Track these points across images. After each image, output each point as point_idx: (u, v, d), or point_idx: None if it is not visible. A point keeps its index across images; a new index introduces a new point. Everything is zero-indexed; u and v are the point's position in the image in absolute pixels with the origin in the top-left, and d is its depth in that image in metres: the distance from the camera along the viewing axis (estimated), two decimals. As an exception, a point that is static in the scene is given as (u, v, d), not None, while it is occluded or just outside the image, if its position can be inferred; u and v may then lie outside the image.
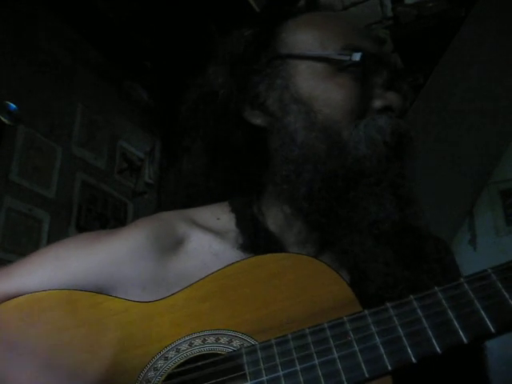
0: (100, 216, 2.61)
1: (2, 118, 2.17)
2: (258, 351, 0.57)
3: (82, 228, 2.48)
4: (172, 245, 0.74)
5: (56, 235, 2.32)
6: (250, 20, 0.88)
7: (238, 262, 0.66)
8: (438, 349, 0.53)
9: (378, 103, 0.75)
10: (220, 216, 0.78)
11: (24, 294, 0.70)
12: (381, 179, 0.70)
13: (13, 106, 2.22)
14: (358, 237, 0.69)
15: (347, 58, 0.74)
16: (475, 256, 2.13)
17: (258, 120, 0.78)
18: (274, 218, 0.77)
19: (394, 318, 0.56)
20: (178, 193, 0.87)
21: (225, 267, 0.65)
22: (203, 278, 0.65)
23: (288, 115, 0.75)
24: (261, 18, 0.88)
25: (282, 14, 0.85)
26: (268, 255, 0.65)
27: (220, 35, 0.87)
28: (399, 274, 0.67)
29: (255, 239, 0.72)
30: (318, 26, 0.81)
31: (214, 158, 0.82)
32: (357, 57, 0.74)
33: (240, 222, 0.75)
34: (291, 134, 0.73)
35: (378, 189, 0.70)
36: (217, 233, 0.75)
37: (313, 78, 0.76)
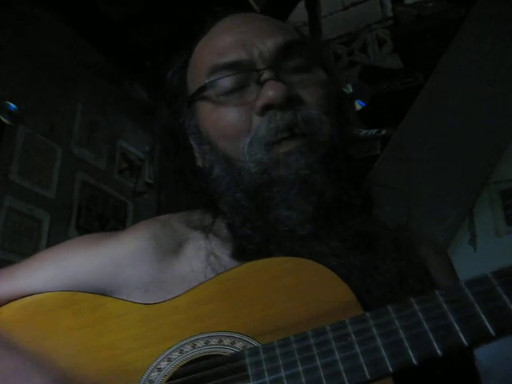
0: (100, 216, 2.61)
1: (2, 118, 2.18)
2: (261, 352, 0.57)
3: (81, 228, 2.48)
4: (173, 247, 0.74)
5: (56, 235, 2.32)
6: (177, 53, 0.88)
7: (240, 265, 0.66)
8: (438, 351, 0.53)
9: (256, 107, 0.72)
10: (217, 217, 0.78)
11: (27, 295, 0.70)
12: (282, 185, 0.69)
13: (13, 106, 2.22)
14: (288, 243, 0.68)
15: (210, 81, 0.74)
16: (475, 256, 2.13)
17: (199, 162, 0.80)
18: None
19: (395, 321, 0.56)
20: (178, 194, 0.87)
21: (227, 270, 0.65)
22: (206, 281, 0.65)
23: (204, 157, 0.78)
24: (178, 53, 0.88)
25: (185, 52, 0.85)
26: (269, 259, 0.66)
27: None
28: (352, 262, 0.65)
29: (244, 244, 0.71)
30: (197, 58, 0.81)
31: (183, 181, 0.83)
32: (218, 86, 0.73)
33: (230, 227, 0.74)
34: (212, 174, 0.76)
35: (282, 193, 0.69)
36: (216, 234, 0.75)
37: (204, 114, 0.77)
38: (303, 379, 0.54)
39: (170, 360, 0.61)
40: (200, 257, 0.72)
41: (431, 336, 0.54)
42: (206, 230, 0.75)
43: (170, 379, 0.60)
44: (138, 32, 2.80)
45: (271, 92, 0.70)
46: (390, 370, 0.54)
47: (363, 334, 0.56)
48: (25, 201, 2.24)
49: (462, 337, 0.53)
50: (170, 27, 2.69)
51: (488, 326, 0.53)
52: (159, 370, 0.60)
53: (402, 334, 0.55)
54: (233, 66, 0.73)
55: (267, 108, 0.70)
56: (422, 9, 2.27)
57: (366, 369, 0.54)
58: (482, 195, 2.23)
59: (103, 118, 2.74)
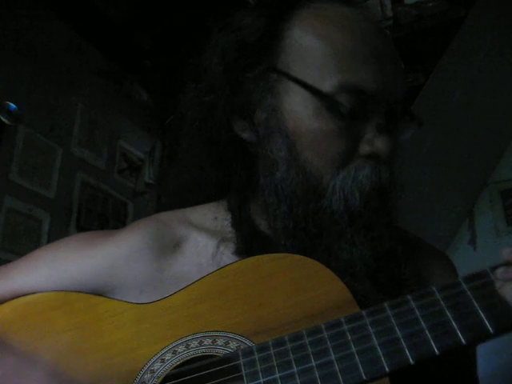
0: (100, 216, 2.61)
1: (2, 118, 2.17)
2: (255, 353, 0.57)
3: (81, 228, 2.48)
4: (169, 247, 0.73)
5: (56, 235, 2.32)
6: (256, 5, 0.78)
7: (235, 262, 0.65)
8: (436, 350, 0.53)
9: (364, 150, 0.70)
10: (217, 215, 0.77)
11: (20, 296, 0.70)
12: (354, 224, 0.68)
13: (13, 106, 2.22)
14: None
15: (337, 102, 0.68)
16: (475, 256, 2.13)
17: (244, 134, 0.74)
18: (268, 221, 0.73)
19: (392, 319, 0.56)
20: (177, 191, 0.86)
21: (222, 268, 0.65)
22: (200, 279, 0.65)
23: (271, 142, 0.71)
24: (267, 9, 0.77)
25: (288, 4, 0.75)
26: (265, 255, 0.65)
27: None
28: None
29: (250, 242, 0.71)
30: (321, 41, 0.71)
31: (205, 157, 0.79)
32: (344, 109, 0.68)
33: (235, 223, 0.73)
34: (273, 164, 0.70)
35: (351, 231, 0.67)
36: (214, 233, 0.74)
37: (300, 110, 0.70)
38: (298, 380, 0.54)
39: (163, 361, 0.60)
40: (199, 256, 0.71)
41: (428, 334, 0.53)
42: (212, 227, 0.74)
43: (164, 381, 0.59)
44: (137, 32, 2.80)
45: (384, 147, 0.69)
46: (387, 369, 0.53)
47: (359, 332, 0.55)
48: (25, 201, 2.24)
49: (460, 335, 0.53)
50: (170, 27, 2.69)
51: (486, 323, 0.53)
52: (152, 371, 0.60)
53: (398, 332, 0.54)
54: (367, 96, 0.69)
55: (372, 157, 0.70)
56: (421, 9, 2.26)
57: (361, 369, 0.53)
58: (482, 195, 2.22)
59: (103, 118, 2.74)
